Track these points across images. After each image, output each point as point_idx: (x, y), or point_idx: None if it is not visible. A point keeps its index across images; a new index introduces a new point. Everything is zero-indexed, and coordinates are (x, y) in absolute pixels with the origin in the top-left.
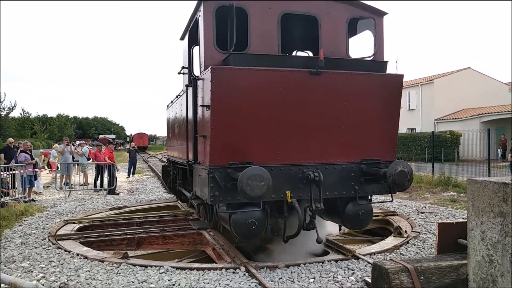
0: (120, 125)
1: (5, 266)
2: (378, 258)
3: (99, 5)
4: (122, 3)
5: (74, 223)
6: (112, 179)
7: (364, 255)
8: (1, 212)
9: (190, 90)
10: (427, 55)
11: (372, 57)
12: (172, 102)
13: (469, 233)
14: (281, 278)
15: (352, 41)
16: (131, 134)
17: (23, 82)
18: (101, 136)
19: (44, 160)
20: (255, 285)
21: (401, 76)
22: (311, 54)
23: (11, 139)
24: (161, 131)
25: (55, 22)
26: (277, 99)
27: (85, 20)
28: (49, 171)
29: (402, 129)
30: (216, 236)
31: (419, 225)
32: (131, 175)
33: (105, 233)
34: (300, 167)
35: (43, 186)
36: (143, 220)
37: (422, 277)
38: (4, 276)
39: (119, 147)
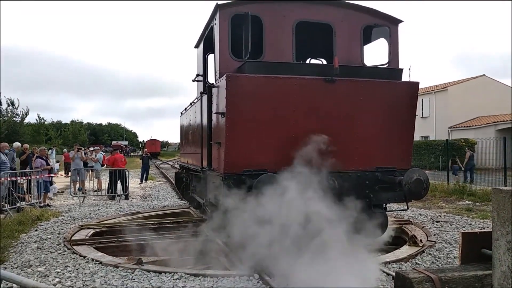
0: (132, 131)
1: (21, 270)
2: (393, 267)
3: (116, 7)
4: (140, 11)
5: (88, 228)
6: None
7: (379, 264)
8: (17, 217)
9: (205, 97)
10: (440, 62)
11: (387, 64)
12: (186, 109)
13: (494, 243)
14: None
15: (367, 48)
16: (143, 141)
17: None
18: (114, 142)
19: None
20: None
21: (417, 84)
22: (325, 62)
23: (26, 145)
24: (173, 138)
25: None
26: (291, 106)
27: (99, 29)
28: (64, 176)
29: (416, 136)
30: (229, 242)
31: (435, 234)
32: (143, 181)
33: (119, 239)
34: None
35: (58, 192)
36: (156, 226)
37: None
38: (27, 280)
39: (131, 154)
